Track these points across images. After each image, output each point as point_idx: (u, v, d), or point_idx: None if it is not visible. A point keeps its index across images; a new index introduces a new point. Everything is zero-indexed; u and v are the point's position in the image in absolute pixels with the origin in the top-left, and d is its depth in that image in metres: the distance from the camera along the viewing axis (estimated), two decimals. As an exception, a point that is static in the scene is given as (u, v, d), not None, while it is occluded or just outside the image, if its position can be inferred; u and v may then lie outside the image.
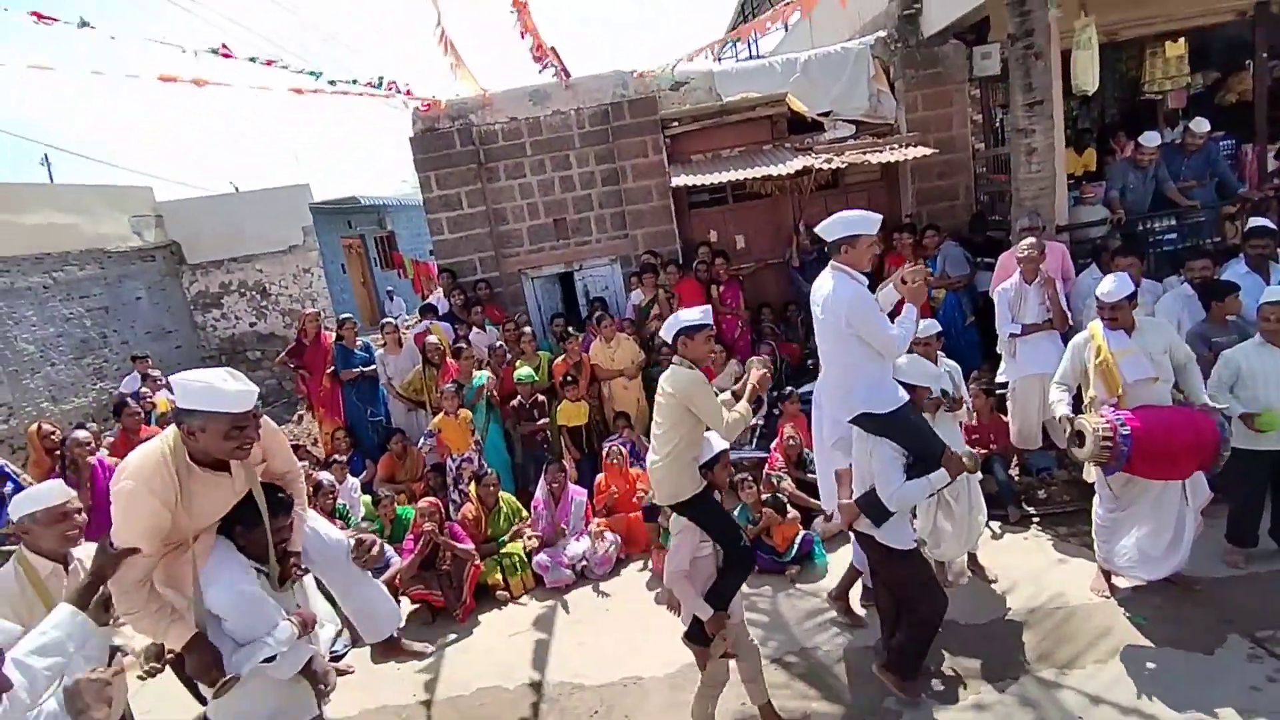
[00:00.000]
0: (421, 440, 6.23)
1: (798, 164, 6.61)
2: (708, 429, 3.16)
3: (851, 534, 3.54)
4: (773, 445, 5.66)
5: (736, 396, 3.35)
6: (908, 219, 7.34)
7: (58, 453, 4.80)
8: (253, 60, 6.48)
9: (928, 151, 6.68)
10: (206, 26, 54.39)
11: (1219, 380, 3.86)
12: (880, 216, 3.30)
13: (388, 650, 4.36)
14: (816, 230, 3.37)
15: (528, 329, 6.98)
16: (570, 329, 7.12)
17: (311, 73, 6.84)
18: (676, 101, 7.56)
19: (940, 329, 4.45)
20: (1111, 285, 3.63)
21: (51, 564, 2.63)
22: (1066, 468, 5.11)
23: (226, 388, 2.39)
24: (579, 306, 7.91)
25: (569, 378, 6.42)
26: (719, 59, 11.02)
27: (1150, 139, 5.98)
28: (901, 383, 3.24)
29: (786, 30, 11.95)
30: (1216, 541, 3.99)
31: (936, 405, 3.74)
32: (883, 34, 7.49)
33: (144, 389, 7.42)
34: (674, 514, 3.19)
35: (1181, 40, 7.60)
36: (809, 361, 6.62)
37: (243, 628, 2.57)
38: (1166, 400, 3.55)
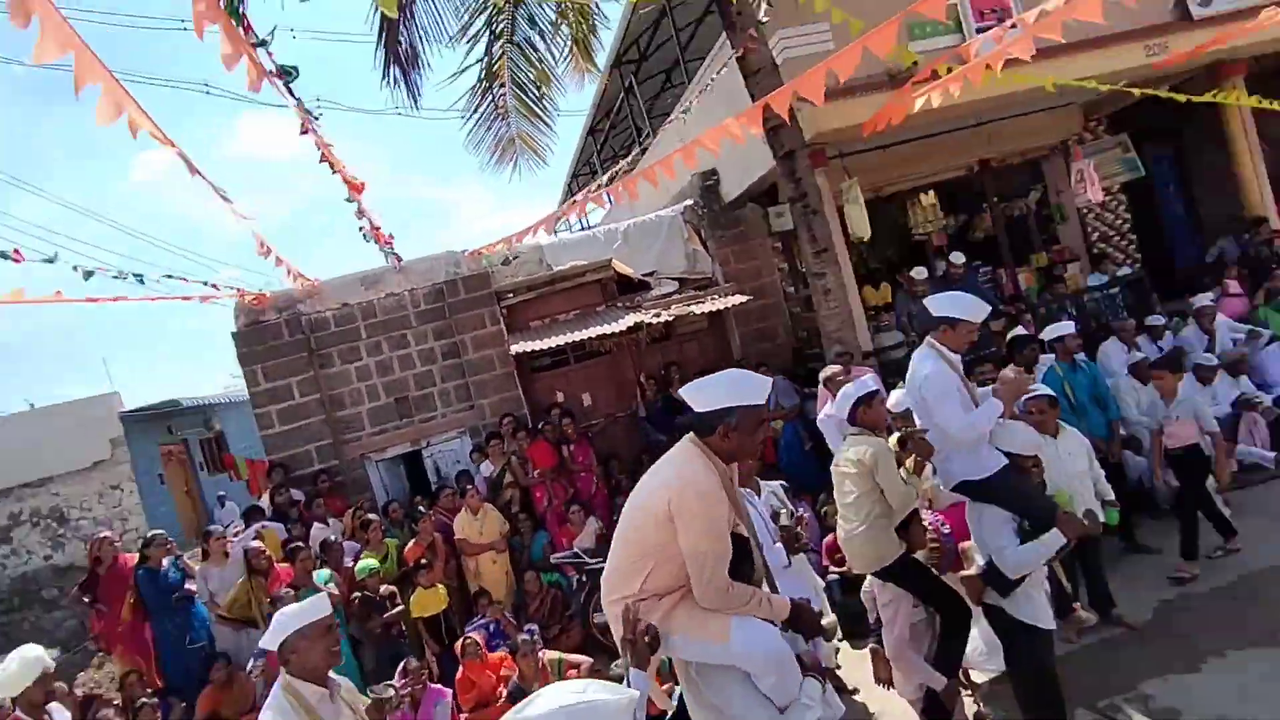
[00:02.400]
0: (251, 663, 5.43)
1: (629, 321, 7.01)
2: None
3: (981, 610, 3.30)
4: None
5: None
6: (738, 361, 7.86)
7: None
8: (49, 261, 6.05)
9: (744, 299, 7.34)
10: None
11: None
12: (988, 307, 3.37)
13: None
14: (930, 305, 3.38)
15: (373, 516, 6.53)
16: (420, 507, 6.76)
17: (136, 275, 6.43)
18: (509, 274, 7.89)
19: (1053, 393, 4.39)
20: (898, 397, 4.02)
21: (320, 689, 2.45)
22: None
23: None
24: (429, 485, 7.57)
25: (423, 562, 5.98)
26: (554, 233, 11.78)
27: (919, 272, 6.96)
28: (1002, 450, 3.20)
29: (611, 203, 13.12)
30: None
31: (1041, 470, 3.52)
32: (690, 202, 8.39)
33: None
34: (881, 584, 3.08)
35: (931, 192, 9.11)
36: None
37: None
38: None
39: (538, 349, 7.01)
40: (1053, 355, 5.61)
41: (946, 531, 3.55)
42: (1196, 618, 4.19)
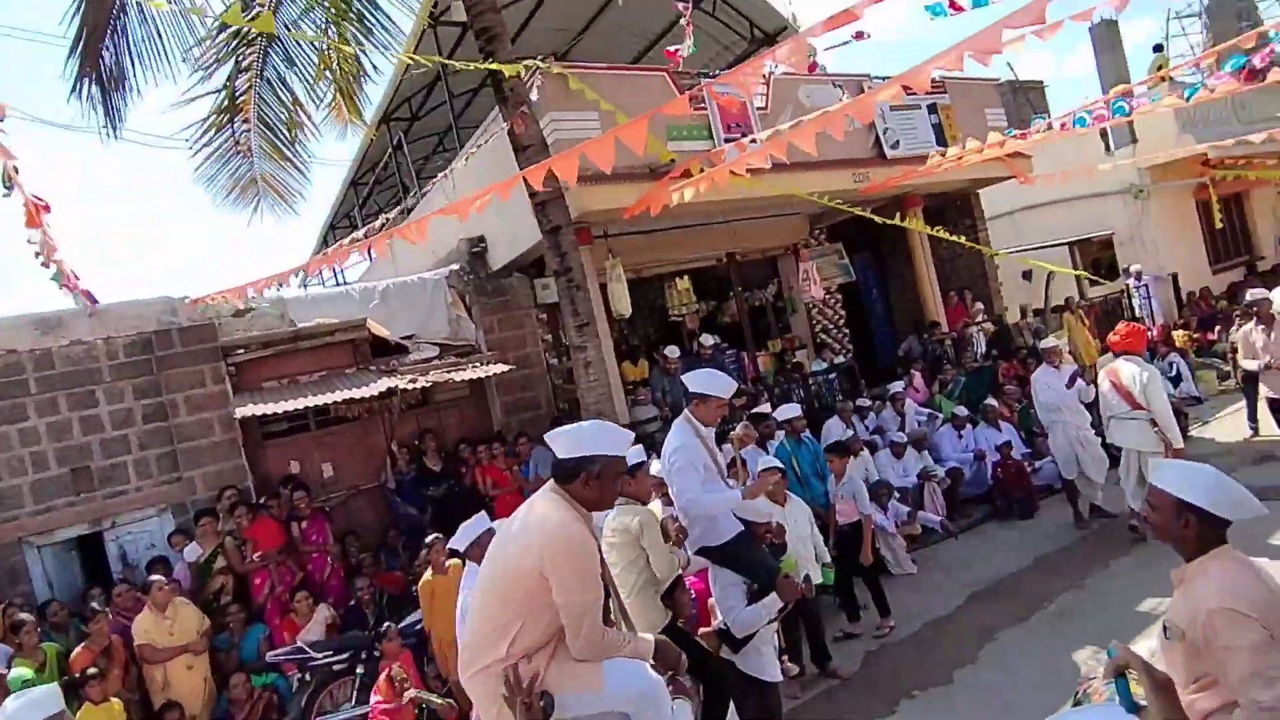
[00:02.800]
0: None
1: (382, 385, 6.52)
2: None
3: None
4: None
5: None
6: (498, 430, 7.67)
7: None
8: None
9: (506, 368, 7.22)
10: None
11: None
12: (735, 385, 3.69)
13: None
14: (686, 381, 3.68)
15: (26, 616, 5.15)
16: (95, 604, 5.48)
17: None
18: (242, 327, 7.00)
19: (782, 465, 4.82)
20: (658, 466, 4.19)
21: None
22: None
23: None
24: (111, 575, 6.21)
25: (93, 670, 4.79)
26: (305, 285, 10.76)
27: (671, 351, 7.43)
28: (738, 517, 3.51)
29: (372, 261, 12.38)
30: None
31: (779, 534, 3.96)
32: (456, 267, 8.19)
33: None
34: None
35: (687, 277, 9.89)
36: (413, 588, 6.11)
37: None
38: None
39: (271, 413, 6.21)
40: (783, 431, 6.23)
41: (692, 595, 3.68)
42: (894, 664, 4.74)
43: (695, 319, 9.97)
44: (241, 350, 6.91)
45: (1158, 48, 13.16)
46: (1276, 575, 1.98)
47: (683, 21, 7.57)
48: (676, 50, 7.25)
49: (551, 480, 2.37)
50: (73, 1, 5.78)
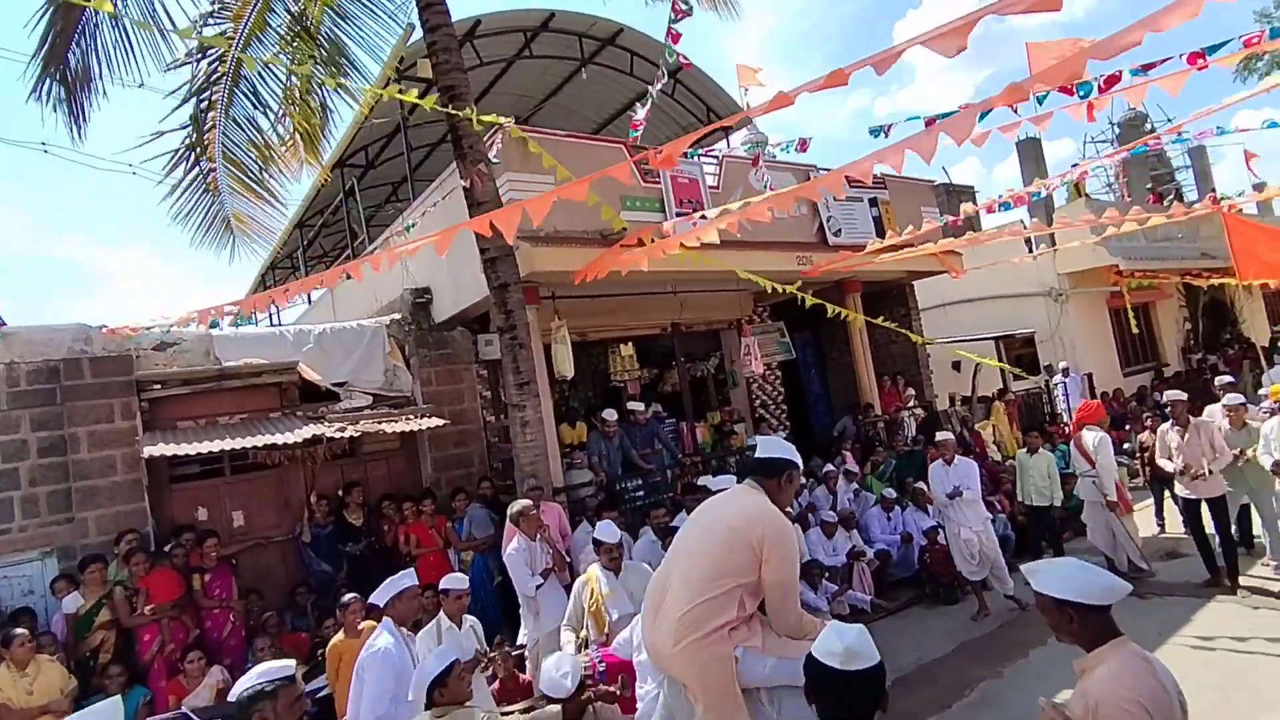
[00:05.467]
0: None
1: (307, 432, 6.26)
2: None
3: None
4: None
5: None
6: (427, 487, 7.41)
7: None
8: None
9: (441, 422, 7.04)
10: None
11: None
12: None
13: None
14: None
15: None
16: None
17: None
18: (162, 362, 6.66)
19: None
20: (607, 531, 4.16)
21: None
22: None
23: None
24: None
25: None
26: (237, 323, 10.37)
27: (610, 415, 7.38)
28: None
29: (310, 303, 12.08)
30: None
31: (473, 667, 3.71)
32: (398, 316, 8.05)
33: None
34: None
35: (630, 344, 9.94)
36: (320, 653, 5.71)
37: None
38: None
39: (182, 453, 5.85)
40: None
41: (601, 670, 3.57)
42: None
43: (637, 385, 9.98)
44: (159, 385, 6.56)
45: (1074, 165, 14.34)
46: (1177, 667, 2.05)
47: (648, 98, 7.90)
48: (639, 124, 7.53)
49: (750, 478, 2.76)
50: (43, 5, 5.68)
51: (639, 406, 7.93)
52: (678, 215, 7.46)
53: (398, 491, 7.24)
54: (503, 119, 6.19)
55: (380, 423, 6.77)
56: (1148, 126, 19.42)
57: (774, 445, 2.82)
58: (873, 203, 9.71)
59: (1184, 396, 6.49)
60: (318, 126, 7.08)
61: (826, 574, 6.55)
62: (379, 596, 3.86)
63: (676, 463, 7.93)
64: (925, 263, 9.57)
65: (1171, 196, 13.64)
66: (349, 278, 5.64)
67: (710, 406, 10.79)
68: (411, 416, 7.13)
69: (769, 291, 7.37)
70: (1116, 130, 21.33)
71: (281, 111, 6.57)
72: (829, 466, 8.17)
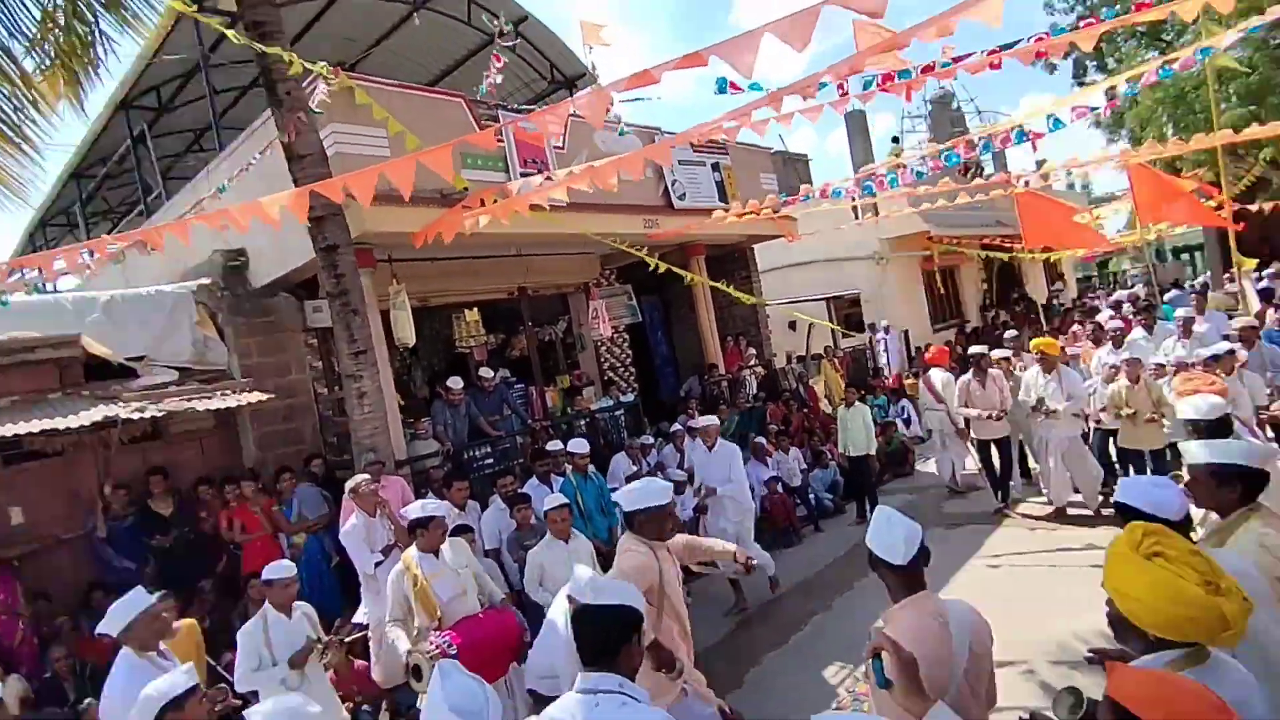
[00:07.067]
0: None
1: (96, 414, 5.45)
2: None
3: None
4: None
5: None
6: (250, 467, 6.78)
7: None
8: None
9: (263, 396, 6.41)
10: None
11: (531, 576, 4.53)
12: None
13: None
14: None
15: None
16: None
17: None
18: (-106, 338, 5.51)
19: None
20: (434, 507, 3.94)
21: None
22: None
23: None
24: None
25: None
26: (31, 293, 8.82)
27: (455, 382, 7.11)
28: None
29: (90, 264, 10.50)
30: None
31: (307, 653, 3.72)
32: (207, 281, 7.19)
33: None
34: None
35: (476, 309, 9.59)
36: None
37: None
38: (476, 608, 3.88)
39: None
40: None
41: (453, 652, 3.48)
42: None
43: (484, 351, 9.68)
44: (-108, 366, 5.43)
45: (895, 139, 15.59)
46: (977, 583, 2.27)
47: (494, 56, 7.54)
48: (494, 88, 7.19)
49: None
50: None
51: (488, 373, 7.69)
52: (522, 175, 7.20)
53: (214, 474, 6.56)
54: (322, 63, 5.65)
55: (189, 400, 6.05)
56: (954, 105, 21.53)
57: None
58: (715, 167, 9.94)
59: (986, 350, 7.31)
60: (84, 60, 6.01)
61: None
62: (108, 625, 3.29)
63: (526, 428, 7.81)
64: (764, 227, 9.98)
65: (974, 170, 15.22)
66: (152, 250, 4.98)
67: (559, 370, 10.72)
68: (229, 392, 6.44)
69: (617, 254, 7.37)
70: (929, 107, 23.45)
71: (39, 35, 5.49)
72: (676, 425, 8.41)
